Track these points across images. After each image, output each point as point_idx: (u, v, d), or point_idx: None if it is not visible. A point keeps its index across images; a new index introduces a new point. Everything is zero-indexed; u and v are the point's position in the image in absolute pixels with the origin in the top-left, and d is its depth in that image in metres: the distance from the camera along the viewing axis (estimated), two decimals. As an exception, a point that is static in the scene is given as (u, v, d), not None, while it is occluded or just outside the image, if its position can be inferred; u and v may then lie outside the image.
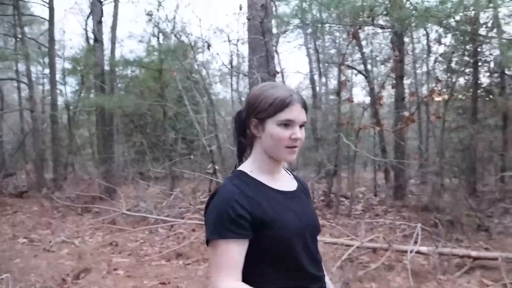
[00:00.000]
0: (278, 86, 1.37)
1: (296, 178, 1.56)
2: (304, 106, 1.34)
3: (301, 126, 1.33)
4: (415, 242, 4.93)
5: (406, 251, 4.78)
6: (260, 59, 7.43)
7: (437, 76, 8.78)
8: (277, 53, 10.02)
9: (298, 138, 1.30)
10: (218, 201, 1.28)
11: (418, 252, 4.94)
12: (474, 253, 4.98)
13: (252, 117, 1.35)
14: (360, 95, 33.06)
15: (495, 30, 8.45)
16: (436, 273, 4.63)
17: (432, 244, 5.15)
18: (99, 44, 11.73)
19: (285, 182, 1.44)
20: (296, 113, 1.30)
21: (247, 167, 1.40)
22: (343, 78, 7.71)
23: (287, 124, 1.30)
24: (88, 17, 15.32)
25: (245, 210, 1.24)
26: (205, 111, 9.56)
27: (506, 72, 9.75)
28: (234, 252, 1.24)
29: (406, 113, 6.39)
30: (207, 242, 1.27)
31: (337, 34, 12.78)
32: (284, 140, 1.30)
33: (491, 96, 10.09)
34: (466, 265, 4.93)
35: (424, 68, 13.21)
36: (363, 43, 12.89)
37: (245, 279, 1.25)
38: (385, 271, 4.80)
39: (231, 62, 8.76)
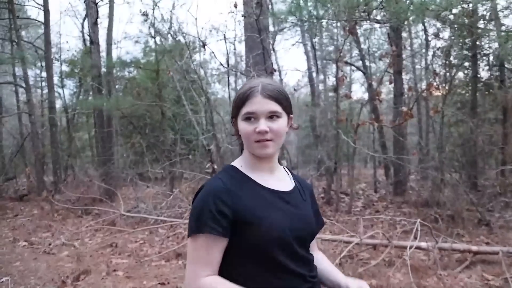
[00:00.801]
0: (247, 83, 1.35)
1: (296, 178, 1.51)
2: (272, 96, 1.28)
3: (272, 117, 1.28)
4: (415, 238, 4.91)
5: (406, 247, 4.74)
6: (256, 57, 7.39)
7: (435, 70, 8.73)
8: (274, 50, 9.99)
9: (262, 131, 1.25)
10: (201, 196, 1.27)
11: (418, 247, 4.92)
12: (474, 248, 4.96)
13: (232, 116, 1.38)
14: (359, 91, 33.01)
15: (493, 23, 8.41)
16: (437, 268, 4.61)
17: (432, 239, 5.12)
18: (95, 45, 11.70)
19: (279, 181, 1.39)
20: (257, 105, 1.27)
21: (238, 162, 1.39)
22: (340, 74, 7.65)
23: (249, 117, 1.28)
24: (84, 19, 15.31)
25: (227, 207, 1.22)
26: (203, 110, 9.53)
27: (505, 65, 9.72)
28: (212, 248, 1.22)
29: (405, 108, 6.35)
30: (188, 235, 1.26)
31: (335, 30, 12.79)
32: (249, 135, 1.28)
33: (490, 90, 10.04)
34: (467, 260, 4.92)
35: (423, 63, 13.21)
36: (361, 39, 12.89)
37: (229, 278, 1.22)
38: (385, 267, 4.77)
39: (227, 61, 8.71)
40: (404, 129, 9.49)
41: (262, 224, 1.23)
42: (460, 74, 10.81)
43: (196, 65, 11.06)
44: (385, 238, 5.17)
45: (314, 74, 13.34)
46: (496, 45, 9.01)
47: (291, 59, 45.13)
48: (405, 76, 14.31)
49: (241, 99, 1.29)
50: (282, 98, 1.31)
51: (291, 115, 1.38)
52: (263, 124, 1.25)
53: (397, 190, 9.83)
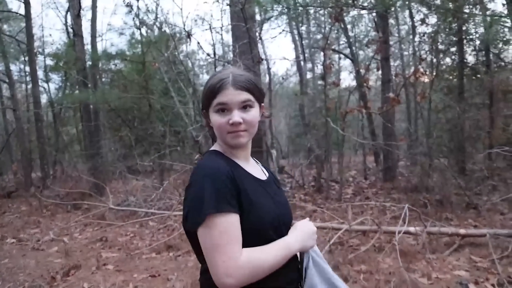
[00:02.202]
0: (217, 73, 1.32)
1: (265, 168, 1.54)
2: (244, 87, 1.27)
3: (245, 107, 1.27)
4: (404, 223, 4.94)
5: (395, 232, 4.77)
6: (243, 46, 7.34)
7: (421, 56, 8.75)
8: (261, 39, 9.92)
9: (235, 122, 1.24)
10: (210, 174, 1.18)
11: (407, 232, 4.96)
12: (462, 231, 5.01)
13: (202, 109, 1.36)
14: (348, 79, 33.06)
15: (478, 7, 8.42)
16: (425, 252, 4.64)
17: (421, 224, 5.16)
18: (79, 38, 11.50)
19: (256, 171, 1.40)
20: (228, 96, 1.25)
21: (219, 148, 1.37)
22: (328, 62, 7.63)
23: (222, 109, 1.26)
24: (67, 11, 15.06)
25: (235, 188, 1.19)
26: (191, 102, 9.46)
27: (491, 50, 9.77)
28: (237, 226, 1.15)
29: (392, 95, 6.36)
30: (201, 222, 1.13)
31: (323, 18, 12.73)
32: (222, 127, 1.26)
33: (478, 75, 10.10)
34: (455, 243, 4.96)
35: (411, 50, 13.24)
36: (349, 26, 12.86)
37: None
38: (375, 252, 4.80)
39: (214, 51, 8.64)
40: (393, 115, 9.52)
41: (256, 209, 1.21)
42: (447, 60, 10.87)
43: (184, 56, 10.96)
44: (374, 224, 5.20)
45: (302, 63, 13.30)
46: (481, 30, 9.05)
47: (280, 48, 45.00)
48: (393, 63, 14.39)
49: (212, 91, 1.26)
50: (253, 88, 1.30)
51: (262, 104, 1.37)
52: (236, 116, 1.24)
53: (386, 176, 9.89)
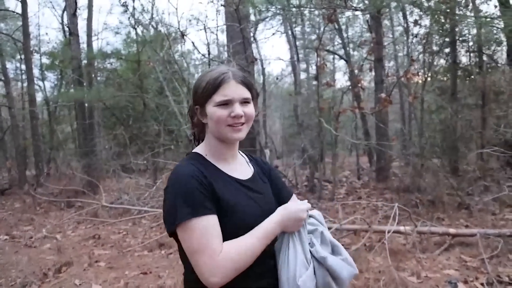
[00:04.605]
0: (214, 69, 1.35)
1: (254, 160, 1.54)
2: (244, 82, 1.31)
3: (245, 102, 1.31)
4: (395, 222, 4.98)
5: (385, 231, 4.81)
6: (237, 46, 7.37)
7: (412, 56, 8.80)
8: (255, 39, 9.94)
9: (238, 115, 1.27)
10: (182, 179, 1.22)
11: (397, 231, 5.00)
12: (452, 231, 5.05)
13: (195, 105, 1.36)
14: (342, 80, 33.11)
15: (470, 8, 8.49)
16: (416, 251, 4.69)
17: (412, 224, 5.21)
18: (75, 37, 11.49)
19: (240, 170, 1.42)
20: (231, 90, 1.28)
21: (202, 150, 1.38)
22: (321, 62, 7.67)
23: (224, 103, 1.28)
24: (63, 10, 15.03)
25: (208, 190, 1.22)
26: (185, 101, 9.47)
27: (483, 50, 9.83)
28: (213, 226, 1.19)
29: (383, 95, 6.41)
30: (175, 228, 1.19)
31: (317, 19, 12.78)
32: (223, 120, 1.28)
33: (471, 76, 10.15)
34: (446, 242, 5.00)
35: (405, 51, 13.29)
36: (343, 27, 12.90)
37: None
38: (366, 251, 4.84)
39: (208, 51, 8.65)
40: (386, 116, 9.56)
41: (236, 212, 1.25)
42: (441, 61, 10.93)
43: (179, 55, 10.97)
44: (365, 223, 5.24)
45: (296, 63, 13.33)
46: (474, 31, 9.12)
47: (274, 48, 44.98)
48: (388, 64, 14.45)
49: (213, 86, 1.28)
50: (250, 85, 1.34)
51: (256, 103, 1.41)
52: (238, 109, 1.27)
53: (379, 176, 9.93)
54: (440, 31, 9.66)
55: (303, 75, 14.18)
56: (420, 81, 9.05)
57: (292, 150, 13.14)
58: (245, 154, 1.54)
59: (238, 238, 1.21)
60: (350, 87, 10.33)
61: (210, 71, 1.34)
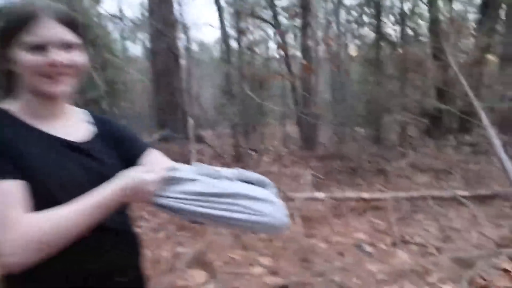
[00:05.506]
0: (24, 1, 1.04)
1: (100, 121, 1.23)
2: (67, 22, 1.01)
3: (68, 47, 1.01)
4: (312, 189, 5.00)
5: (300, 198, 4.80)
6: (159, 8, 6.93)
7: (329, 19, 8.83)
8: (179, 3, 9.45)
9: (58, 62, 0.98)
10: None
11: (312, 198, 5.01)
12: (365, 195, 5.16)
13: None
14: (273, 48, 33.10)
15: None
16: (330, 217, 4.73)
17: (329, 190, 5.25)
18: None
19: (71, 130, 1.11)
20: (46, 30, 0.98)
21: (13, 105, 1.07)
22: (246, 27, 7.44)
23: (37, 47, 0.97)
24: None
25: (12, 150, 0.96)
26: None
27: (407, 23, 10.09)
28: (18, 192, 0.94)
29: (304, 62, 6.34)
30: None
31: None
32: (37, 69, 0.98)
33: (399, 49, 10.39)
34: (361, 208, 5.11)
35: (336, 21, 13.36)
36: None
37: None
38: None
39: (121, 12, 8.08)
40: (309, 84, 9.54)
41: (52, 179, 0.99)
42: (367, 32, 11.09)
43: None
44: (280, 191, 5.19)
45: (227, 30, 12.94)
46: (398, 3, 9.30)
47: (207, 14, 43.38)
48: (321, 34, 14.47)
49: (19, 22, 0.97)
50: (79, 26, 1.04)
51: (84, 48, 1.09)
52: (57, 54, 0.98)
53: (306, 145, 10.01)
54: (367, 2, 9.78)
55: (235, 44, 13.80)
56: (349, 52, 9.14)
57: (222, 119, 12.90)
58: (89, 113, 1.24)
59: (52, 209, 0.94)
60: (278, 55, 10.21)
61: (21, 2, 1.04)
